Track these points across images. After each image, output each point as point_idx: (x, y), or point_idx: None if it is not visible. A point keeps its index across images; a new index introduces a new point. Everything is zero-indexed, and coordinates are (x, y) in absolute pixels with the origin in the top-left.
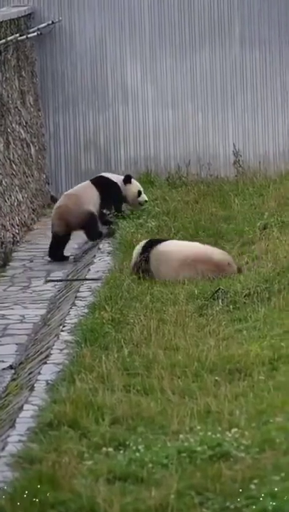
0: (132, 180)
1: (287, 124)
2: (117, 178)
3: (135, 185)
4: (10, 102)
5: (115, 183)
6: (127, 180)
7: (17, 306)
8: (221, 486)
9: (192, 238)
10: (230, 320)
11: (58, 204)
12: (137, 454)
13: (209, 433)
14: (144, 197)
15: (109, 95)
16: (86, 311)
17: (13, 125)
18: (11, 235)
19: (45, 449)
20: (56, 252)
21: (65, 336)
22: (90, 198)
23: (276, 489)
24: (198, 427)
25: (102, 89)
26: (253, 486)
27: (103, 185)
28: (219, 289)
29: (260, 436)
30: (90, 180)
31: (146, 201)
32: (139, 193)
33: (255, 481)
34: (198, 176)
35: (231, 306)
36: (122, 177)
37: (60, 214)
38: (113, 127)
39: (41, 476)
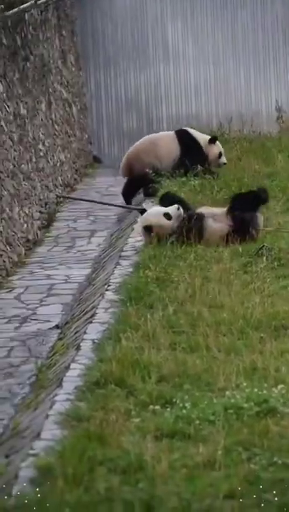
0: (216, 141)
1: None
2: (200, 137)
3: (218, 147)
4: (51, 61)
5: (198, 142)
6: (213, 141)
7: (62, 266)
8: (268, 441)
9: None
10: (275, 277)
11: (133, 147)
12: (184, 411)
13: (255, 389)
14: (224, 159)
15: (150, 54)
16: (130, 270)
17: (55, 85)
18: (54, 195)
19: (93, 408)
20: (126, 194)
21: (110, 295)
22: (165, 151)
23: None
24: (245, 384)
25: (143, 48)
26: None
27: (186, 140)
28: (263, 246)
29: None
30: (175, 132)
31: (225, 163)
32: (220, 154)
33: None
34: (241, 133)
35: (276, 263)
36: (206, 136)
37: (127, 157)
38: (154, 86)
39: (89, 434)
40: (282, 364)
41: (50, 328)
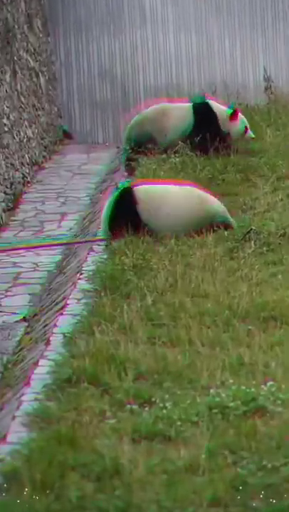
0: (239, 115)
1: None
2: (221, 111)
3: (242, 122)
4: (16, 26)
5: (216, 116)
6: (233, 116)
7: (29, 252)
8: (256, 443)
9: (220, 174)
10: (264, 263)
11: (139, 113)
12: (164, 411)
13: (243, 387)
14: (250, 134)
15: (126, 18)
16: (105, 256)
17: (20, 52)
18: (21, 175)
19: (64, 408)
20: None
21: (82, 284)
22: (174, 123)
23: None
24: (231, 381)
25: (118, 12)
26: None
27: (202, 114)
28: (251, 229)
29: None
30: (193, 105)
31: (253, 138)
32: (246, 129)
33: None
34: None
35: (265, 248)
36: (228, 110)
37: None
38: (130, 54)
39: (60, 437)
40: (271, 359)
41: (16, 321)
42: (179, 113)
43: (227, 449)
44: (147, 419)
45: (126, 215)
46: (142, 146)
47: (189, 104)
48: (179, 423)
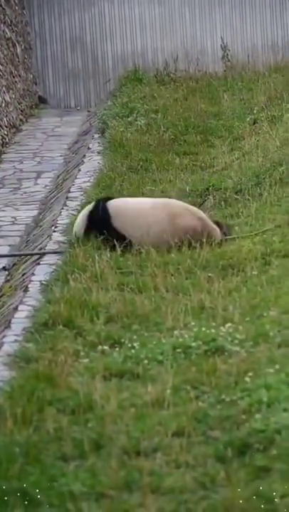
0: None
1: (276, 14)
2: None
3: None
4: None
5: None
6: None
7: (8, 207)
8: (216, 379)
9: (182, 135)
10: (222, 216)
11: None
12: (133, 351)
13: (203, 328)
14: None
15: None
16: (77, 211)
17: None
18: (0, 137)
19: (41, 349)
20: None
21: (57, 236)
22: None
23: (270, 381)
24: (193, 323)
25: None
26: (247, 379)
27: None
28: (210, 185)
29: (254, 331)
30: None
31: None
32: None
33: (250, 373)
34: (187, 72)
35: (223, 203)
36: None
37: None
38: (99, 24)
39: (38, 375)
40: (229, 303)
41: None
42: None
43: (189, 384)
44: (117, 359)
45: (101, 227)
46: None
47: None
48: (146, 362)
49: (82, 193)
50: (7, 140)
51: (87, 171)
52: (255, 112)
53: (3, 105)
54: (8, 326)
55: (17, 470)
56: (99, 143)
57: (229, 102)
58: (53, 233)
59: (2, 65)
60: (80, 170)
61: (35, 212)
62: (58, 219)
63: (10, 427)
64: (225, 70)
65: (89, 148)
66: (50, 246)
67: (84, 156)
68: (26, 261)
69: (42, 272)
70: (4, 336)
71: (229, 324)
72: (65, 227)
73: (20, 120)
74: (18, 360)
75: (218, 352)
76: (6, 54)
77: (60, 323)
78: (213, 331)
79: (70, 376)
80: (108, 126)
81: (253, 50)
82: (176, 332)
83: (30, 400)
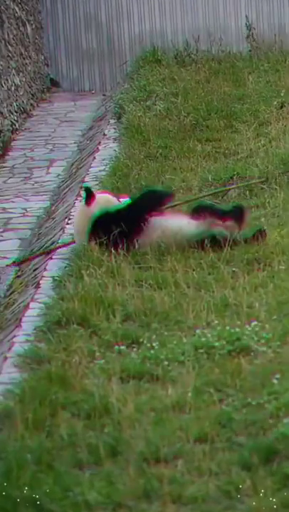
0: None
1: None
2: None
3: None
4: None
5: None
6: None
7: (18, 198)
8: (241, 381)
9: (204, 120)
10: (248, 207)
11: None
12: (152, 352)
13: (227, 327)
14: None
15: None
16: None
17: (7, 2)
18: (9, 122)
19: (54, 349)
20: None
21: (70, 228)
22: None
23: None
24: (216, 321)
25: None
26: (275, 381)
27: None
28: (235, 174)
29: (282, 329)
30: None
31: None
32: None
33: (277, 375)
34: (209, 53)
35: (248, 192)
36: None
37: None
38: (115, 1)
39: (51, 377)
40: (255, 300)
41: (7, 265)
42: None
43: (213, 387)
44: (135, 359)
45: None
46: None
47: None
48: (166, 363)
49: (97, 182)
50: (17, 126)
51: (103, 159)
52: (282, 94)
53: (13, 89)
54: (18, 325)
55: (28, 478)
56: (115, 129)
57: (254, 84)
58: (66, 225)
59: (12, 45)
60: (94, 158)
61: (47, 204)
62: (72, 210)
63: (21, 432)
64: (250, 50)
65: (104, 134)
66: (63, 239)
67: (99, 143)
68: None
69: (54, 267)
70: (15, 336)
71: (255, 322)
72: None
73: (31, 105)
74: (29, 361)
75: (243, 352)
76: (15, 34)
77: (74, 321)
78: (237, 329)
79: (85, 378)
80: (125, 110)
81: (280, 29)
82: (198, 331)
83: (42, 403)
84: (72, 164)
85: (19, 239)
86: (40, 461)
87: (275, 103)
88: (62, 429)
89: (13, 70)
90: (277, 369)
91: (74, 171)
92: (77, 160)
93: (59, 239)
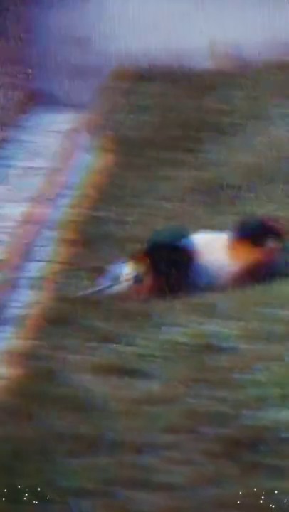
0: None
1: None
2: None
3: None
4: None
5: None
6: None
7: None
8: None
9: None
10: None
11: None
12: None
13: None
14: None
15: None
16: None
17: None
18: None
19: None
20: None
21: None
22: None
23: None
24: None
25: None
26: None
27: None
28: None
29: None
30: None
31: None
32: None
33: (238, 371)
34: (199, 69)
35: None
36: None
37: None
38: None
39: (38, 372)
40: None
41: None
42: None
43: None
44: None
45: None
46: None
47: None
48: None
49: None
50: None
51: (90, 170)
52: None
53: None
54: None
55: (28, 468)
56: (104, 141)
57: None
58: None
59: None
60: (81, 169)
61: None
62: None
63: (14, 425)
64: (238, 68)
65: (92, 146)
66: None
67: (87, 154)
68: None
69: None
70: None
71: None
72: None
73: (14, 118)
74: (17, 358)
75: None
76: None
77: (60, 319)
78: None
79: (71, 373)
80: (114, 123)
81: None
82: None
83: (33, 397)
84: (56, 174)
85: None
86: (29, 451)
87: None
88: (52, 420)
89: None
90: (240, 365)
91: (58, 180)
92: (60, 170)
93: None
